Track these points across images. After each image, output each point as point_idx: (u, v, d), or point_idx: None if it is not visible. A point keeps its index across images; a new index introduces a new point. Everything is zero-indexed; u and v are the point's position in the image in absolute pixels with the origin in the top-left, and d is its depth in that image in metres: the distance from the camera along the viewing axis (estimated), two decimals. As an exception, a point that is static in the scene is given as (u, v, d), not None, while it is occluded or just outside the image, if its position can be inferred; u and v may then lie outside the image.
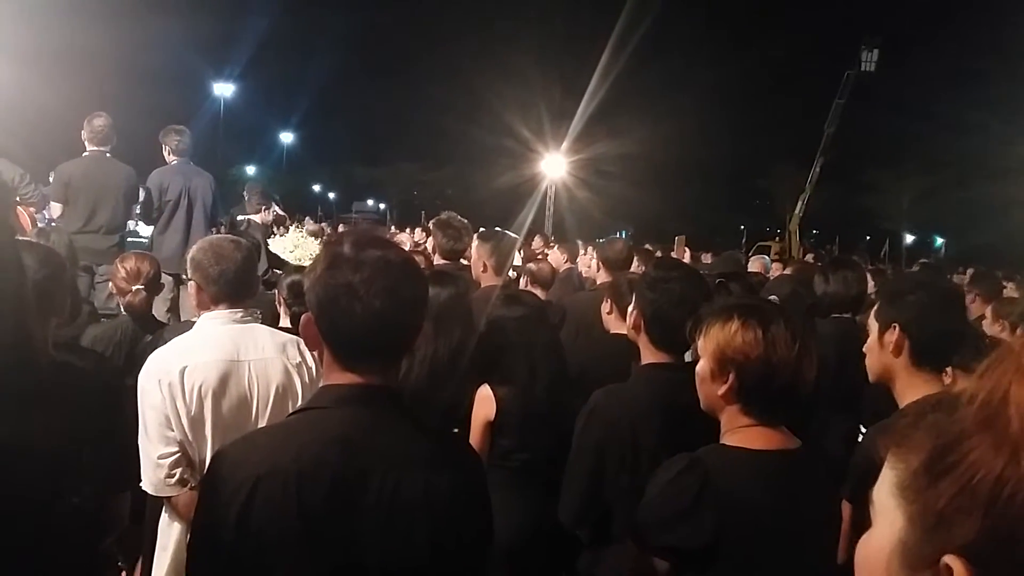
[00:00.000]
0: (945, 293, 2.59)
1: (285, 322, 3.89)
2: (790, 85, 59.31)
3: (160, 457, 2.68)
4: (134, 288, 4.06)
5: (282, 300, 3.98)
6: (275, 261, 7.84)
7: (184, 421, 2.67)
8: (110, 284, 4.31)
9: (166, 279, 6.96)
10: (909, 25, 56.06)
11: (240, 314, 2.90)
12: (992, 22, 42.41)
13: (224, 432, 2.66)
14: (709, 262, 10.44)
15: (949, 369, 2.66)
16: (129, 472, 2.65)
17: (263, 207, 8.48)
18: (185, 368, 2.68)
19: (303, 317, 1.73)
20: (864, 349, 2.69)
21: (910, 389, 2.52)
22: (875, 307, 2.63)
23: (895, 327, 2.52)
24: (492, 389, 3.20)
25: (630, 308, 2.91)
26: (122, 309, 4.13)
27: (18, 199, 7.04)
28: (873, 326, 2.62)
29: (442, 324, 3.19)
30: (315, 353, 1.77)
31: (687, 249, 10.55)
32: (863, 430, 3.46)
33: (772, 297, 4.56)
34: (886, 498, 0.89)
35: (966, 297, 6.32)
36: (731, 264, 7.88)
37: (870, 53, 40.89)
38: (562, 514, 2.75)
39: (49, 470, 2.04)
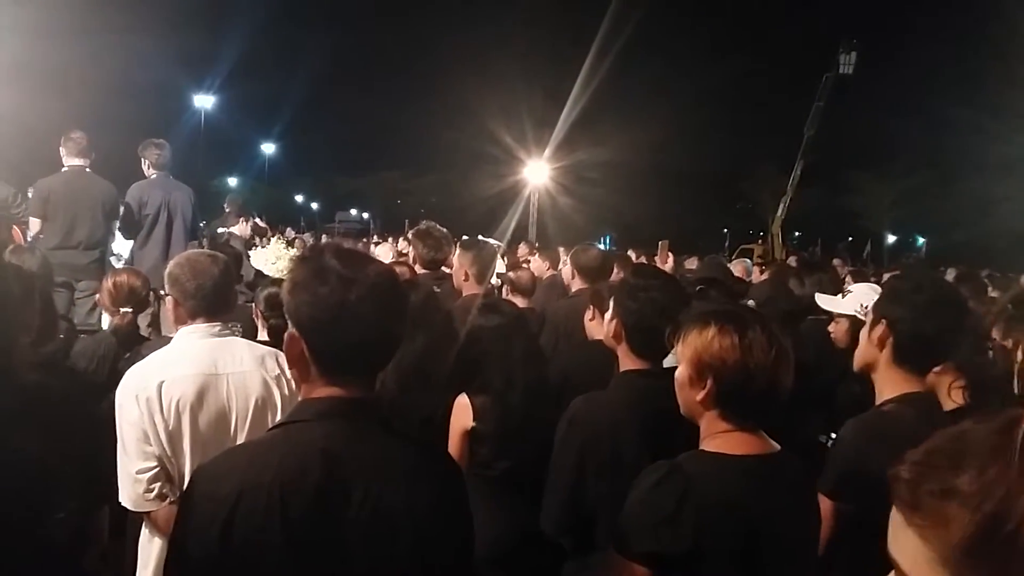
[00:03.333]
0: (944, 299, 2.60)
1: (263, 335, 3.87)
2: (770, 89, 59.59)
3: (139, 472, 2.66)
4: (122, 311, 4.05)
5: (259, 313, 3.96)
6: (258, 272, 7.83)
7: (162, 436, 2.65)
8: (96, 298, 4.30)
9: (148, 296, 6.95)
10: (887, 27, 56.53)
11: (218, 328, 2.89)
12: (970, 21, 42.80)
13: (203, 446, 2.65)
14: (694, 267, 10.45)
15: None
16: (108, 487, 2.64)
17: (241, 219, 8.51)
18: (162, 383, 2.67)
19: (287, 335, 1.73)
20: (860, 337, 2.71)
21: (889, 384, 2.56)
22: (876, 299, 2.68)
23: (883, 322, 2.56)
24: (469, 398, 3.21)
25: (608, 316, 2.92)
26: (106, 327, 4.12)
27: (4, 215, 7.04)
28: (869, 317, 2.67)
29: (411, 332, 3.16)
30: (294, 371, 1.76)
31: (670, 254, 10.56)
32: (829, 436, 3.49)
33: (750, 303, 4.59)
34: (927, 572, 0.85)
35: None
36: (715, 269, 7.90)
37: (848, 56, 41.33)
38: (544, 522, 2.75)
39: (32, 489, 2.03)
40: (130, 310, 4.07)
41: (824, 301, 3.81)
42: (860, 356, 2.67)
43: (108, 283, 4.13)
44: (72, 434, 2.21)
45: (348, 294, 1.63)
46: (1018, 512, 0.76)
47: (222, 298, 2.93)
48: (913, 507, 0.85)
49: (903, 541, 0.87)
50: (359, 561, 1.59)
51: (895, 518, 0.89)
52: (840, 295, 4.01)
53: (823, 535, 2.31)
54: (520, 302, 5.41)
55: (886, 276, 6.71)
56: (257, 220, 9.13)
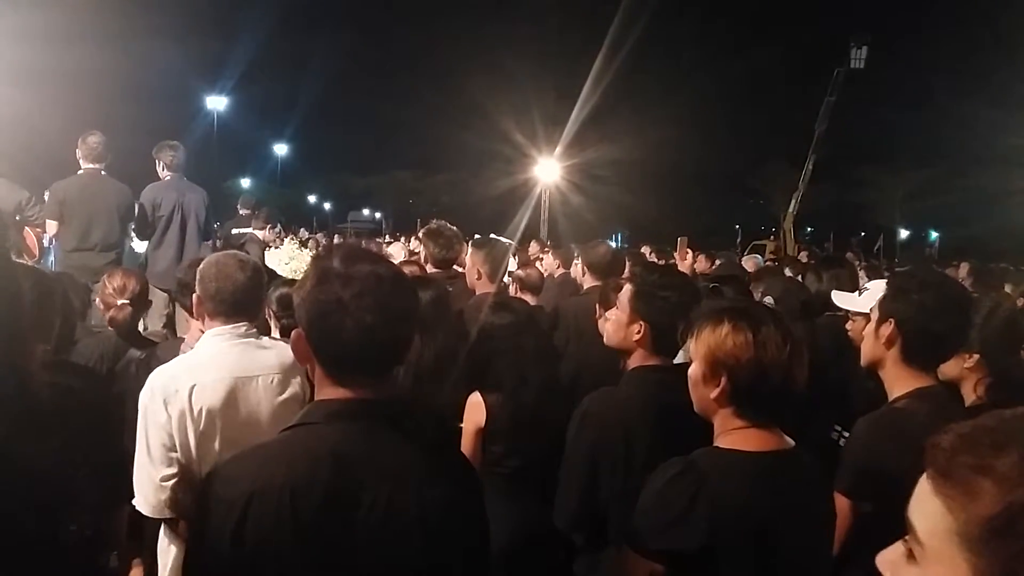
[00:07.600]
0: (949, 297, 2.59)
1: (276, 335, 3.87)
2: (781, 84, 59.51)
3: (163, 479, 2.66)
4: (119, 303, 4.04)
5: (272, 313, 3.96)
6: (271, 275, 7.86)
7: (192, 440, 2.65)
8: (98, 300, 4.29)
9: (158, 296, 6.99)
10: (897, 21, 56.23)
11: (244, 329, 2.89)
12: (980, 14, 42.52)
13: (232, 449, 2.64)
14: (702, 265, 10.36)
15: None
16: (125, 487, 2.64)
17: (269, 226, 8.52)
18: (194, 387, 2.67)
19: (293, 333, 1.73)
20: (863, 333, 2.73)
21: (898, 382, 2.57)
22: (881, 297, 2.67)
23: (891, 322, 2.55)
24: (482, 396, 3.21)
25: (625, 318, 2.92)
26: (106, 323, 4.10)
27: (19, 218, 7.08)
28: (874, 315, 2.66)
29: (425, 329, 3.19)
30: (307, 367, 1.77)
31: (689, 251, 10.45)
32: (838, 428, 3.49)
33: (767, 299, 4.58)
34: (943, 543, 0.86)
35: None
36: (730, 269, 7.90)
37: (859, 50, 41.07)
38: (558, 518, 2.76)
39: (50, 494, 2.04)
40: (127, 301, 4.06)
41: (840, 299, 3.78)
42: (867, 353, 2.67)
43: (105, 283, 4.13)
44: (91, 439, 2.21)
45: (344, 293, 1.62)
46: None
47: (244, 303, 2.92)
48: (945, 476, 0.86)
49: (926, 509, 0.88)
50: (370, 563, 1.58)
51: (923, 485, 0.89)
52: (857, 292, 3.98)
53: (839, 533, 2.31)
54: (529, 299, 5.40)
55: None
56: (280, 229, 9.16)
